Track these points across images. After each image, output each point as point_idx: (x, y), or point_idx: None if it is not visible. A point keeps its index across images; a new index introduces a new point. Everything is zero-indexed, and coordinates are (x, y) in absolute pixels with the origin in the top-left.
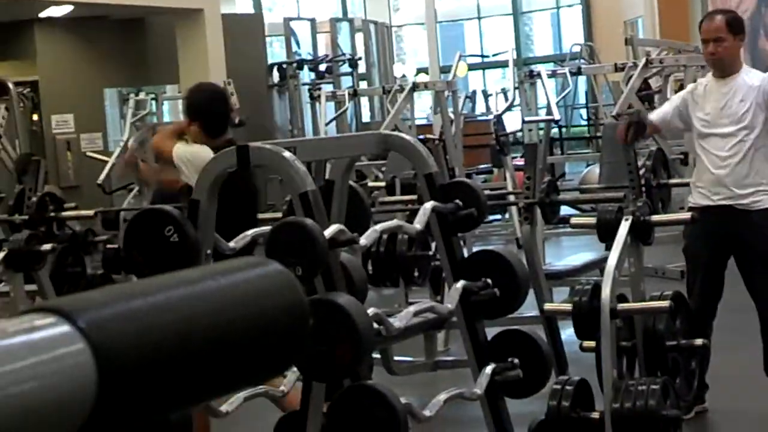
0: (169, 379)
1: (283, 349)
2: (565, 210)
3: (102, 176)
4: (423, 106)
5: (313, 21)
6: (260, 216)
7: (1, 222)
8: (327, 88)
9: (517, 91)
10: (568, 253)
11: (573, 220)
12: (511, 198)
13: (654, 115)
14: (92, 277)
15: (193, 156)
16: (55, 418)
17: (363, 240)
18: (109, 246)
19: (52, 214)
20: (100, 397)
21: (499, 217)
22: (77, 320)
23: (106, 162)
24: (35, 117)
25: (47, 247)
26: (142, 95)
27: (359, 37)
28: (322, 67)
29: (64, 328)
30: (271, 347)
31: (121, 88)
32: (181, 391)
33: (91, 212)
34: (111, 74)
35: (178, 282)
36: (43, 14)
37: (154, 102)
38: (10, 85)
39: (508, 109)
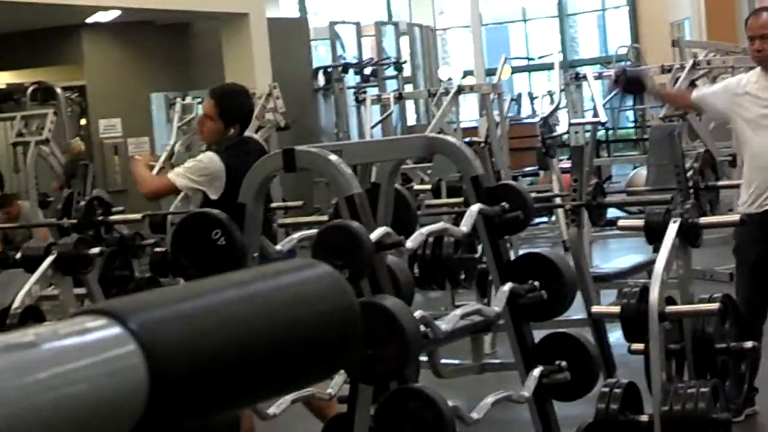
0: (219, 381)
1: (333, 351)
2: (612, 212)
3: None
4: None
5: (358, 25)
6: (306, 219)
7: (49, 226)
8: (372, 92)
9: (563, 94)
10: (615, 255)
11: (620, 223)
12: (558, 200)
13: (697, 90)
14: (140, 280)
15: (202, 170)
16: (106, 420)
17: (409, 243)
18: (156, 249)
19: (100, 217)
20: (151, 399)
21: (545, 219)
22: (128, 322)
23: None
24: (83, 121)
25: (95, 250)
26: (188, 99)
27: (404, 41)
28: (368, 70)
29: (115, 330)
30: (321, 350)
31: (168, 93)
32: (232, 394)
33: (138, 216)
34: (158, 79)
35: (229, 284)
36: (90, 19)
37: (200, 106)
38: (58, 90)
39: (554, 111)
